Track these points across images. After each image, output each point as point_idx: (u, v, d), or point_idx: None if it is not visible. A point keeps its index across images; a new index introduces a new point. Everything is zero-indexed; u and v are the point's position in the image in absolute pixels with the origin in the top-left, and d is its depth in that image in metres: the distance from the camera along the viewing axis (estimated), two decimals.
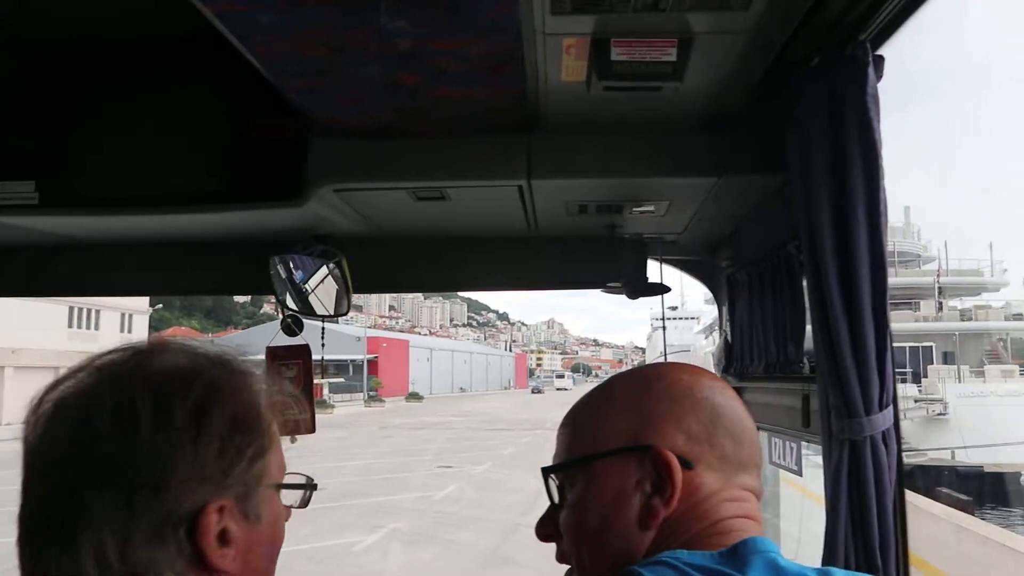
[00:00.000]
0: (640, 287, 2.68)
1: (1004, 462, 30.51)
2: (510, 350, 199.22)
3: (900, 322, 44.79)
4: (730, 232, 2.73)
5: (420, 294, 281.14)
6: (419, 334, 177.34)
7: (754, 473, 1.05)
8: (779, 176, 1.93)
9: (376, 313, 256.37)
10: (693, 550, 0.92)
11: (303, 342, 2.63)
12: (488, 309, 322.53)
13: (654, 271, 2.78)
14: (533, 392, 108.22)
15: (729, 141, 2.01)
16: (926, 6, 1.42)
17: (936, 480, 28.01)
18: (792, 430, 2.25)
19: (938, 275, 45.27)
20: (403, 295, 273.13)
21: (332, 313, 2.64)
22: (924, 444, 34.26)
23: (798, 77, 1.66)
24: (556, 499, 1.07)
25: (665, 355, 3.02)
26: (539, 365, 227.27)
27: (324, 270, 2.56)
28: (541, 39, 1.53)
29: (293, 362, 2.61)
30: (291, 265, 2.57)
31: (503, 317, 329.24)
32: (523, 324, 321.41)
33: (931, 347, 44.75)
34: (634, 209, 2.36)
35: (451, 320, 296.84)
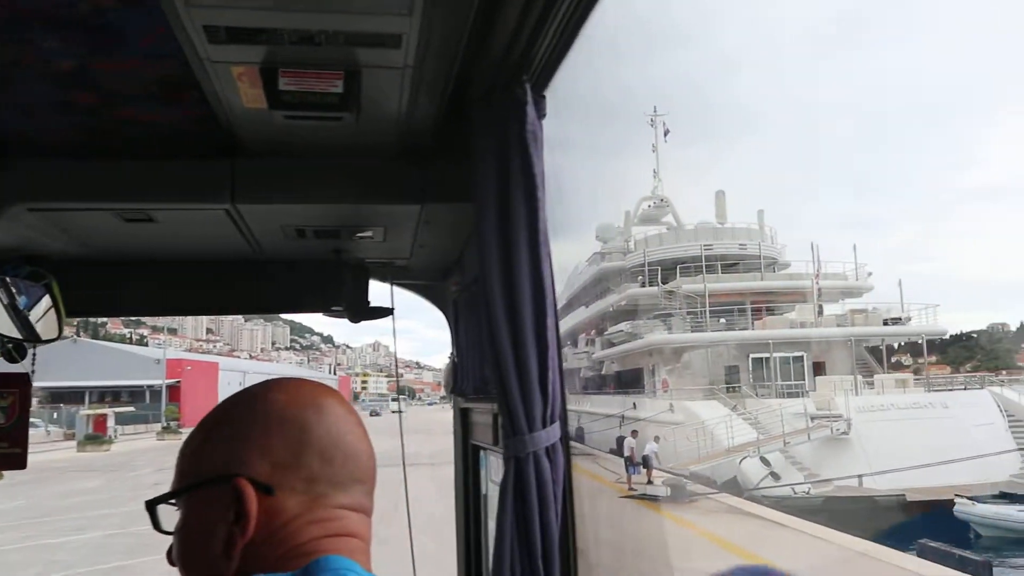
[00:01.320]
0: (361, 311, 2.68)
1: (923, 486, 24.85)
2: (334, 373, 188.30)
3: (776, 328, 38.88)
4: (457, 257, 2.74)
5: (241, 316, 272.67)
6: (238, 357, 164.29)
7: (355, 490, 1.03)
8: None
9: (192, 336, 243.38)
10: (270, 574, 0.92)
11: (22, 370, 2.51)
12: (312, 332, 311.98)
13: (386, 295, 2.88)
14: (372, 415, 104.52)
15: (429, 171, 2.05)
16: (579, 52, 1.54)
17: (865, 517, 21.74)
18: (491, 447, 2.36)
19: (817, 276, 39.78)
20: (222, 317, 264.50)
21: (44, 338, 2.43)
22: (828, 470, 27.98)
23: (475, 113, 1.71)
24: (165, 528, 1.03)
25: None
26: (364, 388, 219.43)
27: (36, 292, 2.41)
28: (210, 66, 1.52)
29: (7, 392, 2.50)
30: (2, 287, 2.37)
31: (327, 340, 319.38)
32: (348, 347, 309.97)
33: (802, 356, 39.21)
34: (356, 235, 2.37)
35: (273, 343, 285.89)
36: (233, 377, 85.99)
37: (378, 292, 2.83)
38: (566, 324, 61.61)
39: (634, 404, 39.88)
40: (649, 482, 25.12)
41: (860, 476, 27.12)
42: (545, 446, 1.62)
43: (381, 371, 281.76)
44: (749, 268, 44.43)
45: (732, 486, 26.73)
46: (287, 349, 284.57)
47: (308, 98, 1.59)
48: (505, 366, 1.61)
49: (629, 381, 45.95)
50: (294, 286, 2.76)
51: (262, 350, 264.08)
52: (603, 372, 49.98)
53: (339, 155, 2.00)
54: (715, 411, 32.22)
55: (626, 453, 25.77)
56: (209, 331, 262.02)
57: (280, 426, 1.00)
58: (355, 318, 2.68)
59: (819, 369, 39.50)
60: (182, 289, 2.75)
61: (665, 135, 57.71)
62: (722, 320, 39.65)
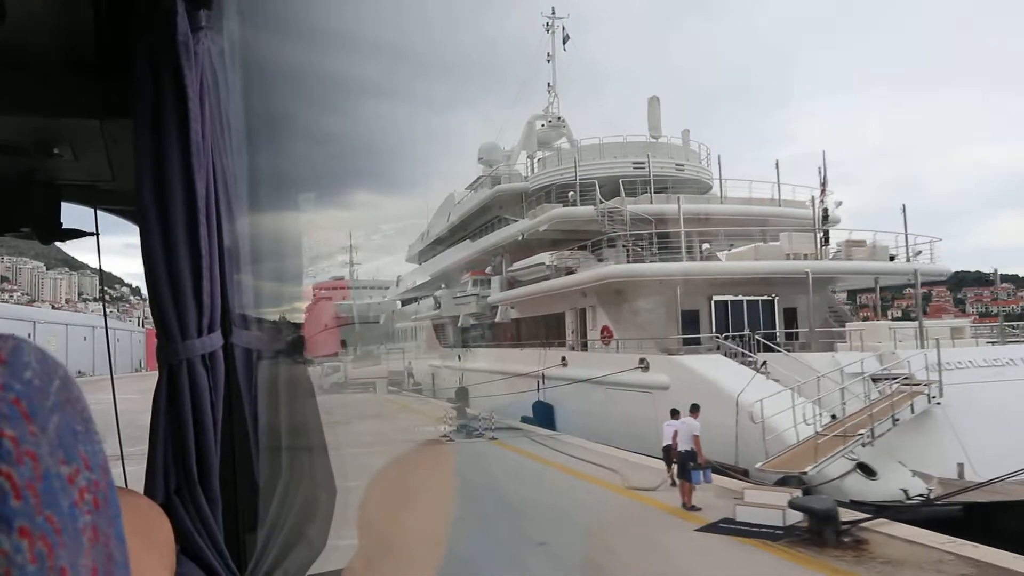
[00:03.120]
0: (52, 232, 2.40)
1: None
2: (143, 326, 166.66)
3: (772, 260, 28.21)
4: None
5: (43, 264, 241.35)
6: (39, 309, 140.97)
7: None
8: None
9: None
10: None
11: None
12: (122, 283, 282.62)
13: (85, 219, 2.47)
14: None
15: (102, 85, 1.81)
16: None
17: None
18: None
19: (823, 193, 29.34)
20: (21, 265, 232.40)
21: None
22: (916, 457, 17.58)
23: (131, 23, 1.63)
24: None
25: None
26: None
27: None
28: None
29: None
30: None
31: (136, 291, 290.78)
32: None
33: (773, 301, 29.15)
34: (44, 153, 2.08)
35: (80, 294, 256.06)
36: (19, 328, 68.68)
37: (85, 217, 2.46)
38: (437, 264, 49.27)
39: (563, 359, 28.42)
40: (679, 483, 13.88)
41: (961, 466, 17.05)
42: (201, 354, 1.59)
43: None
44: (691, 192, 33.63)
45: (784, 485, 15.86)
46: (96, 300, 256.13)
47: None
48: (157, 276, 1.57)
49: (538, 331, 34.41)
50: None
51: (67, 301, 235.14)
52: (497, 320, 37.96)
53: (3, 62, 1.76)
54: (728, 370, 21.27)
55: (667, 441, 14.48)
56: (4, 279, 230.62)
57: None
58: (45, 240, 2.42)
59: (791, 317, 29.63)
60: None
61: (564, 42, 46.27)
62: (707, 246, 28.59)
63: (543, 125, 44.54)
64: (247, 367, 1.77)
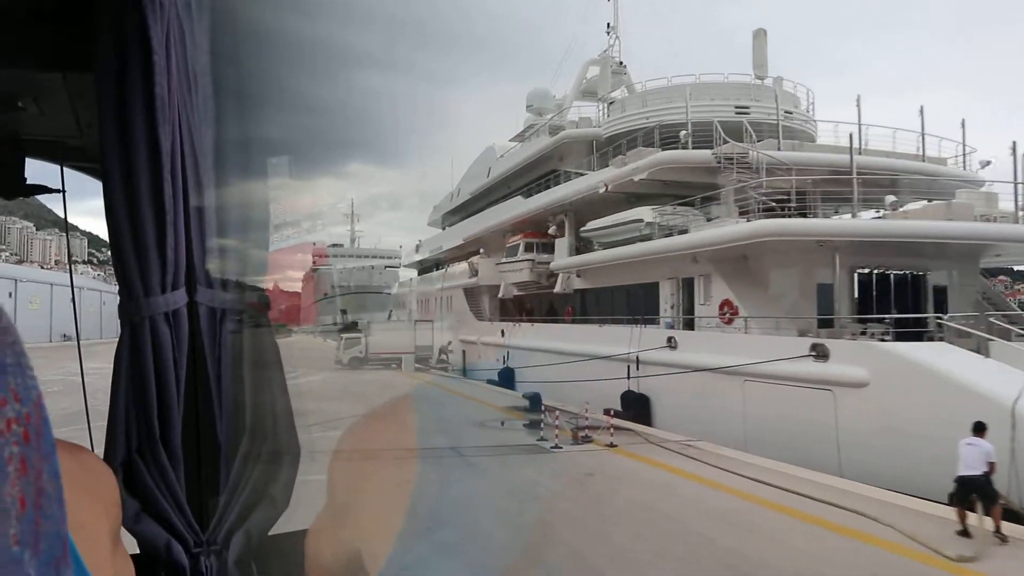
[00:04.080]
0: (15, 188, 2.37)
1: None
2: None
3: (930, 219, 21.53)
4: None
5: (32, 225, 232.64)
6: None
7: None
8: None
9: None
10: None
11: None
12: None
13: (50, 175, 2.42)
14: None
15: (65, 36, 1.68)
16: None
17: None
18: None
19: None
20: (10, 225, 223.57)
21: None
22: None
23: None
24: None
25: None
26: None
27: None
28: None
29: None
30: None
31: None
32: None
33: (923, 276, 22.75)
34: (18, 104, 2.01)
35: (70, 255, 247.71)
36: (0, 286, 62.03)
37: (52, 174, 2.42)
38: (473, 226, 42.57)
39: (671, 340, 21.92)
40: None
41: None
42: (164, 311, 1.54)
43: None
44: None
45: None
46: (84, 263, 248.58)
47: None
48: (120, 231, 1.50)
49: (614, 304, 27.89)
50: None
51: (56, 263, 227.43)
52: (556, 291, 31.38)
53: None
54: (974, 365, 14.84)
55: (968, 470, 8.92)
56: None
57: None
58: (9, 195, 2.39)
59: (940, 296, 23.22)
60: None
61: None
62: (892, 199, 22.02)
63: (616, 65, 37.72)
64: (212, 326, 1.67)
